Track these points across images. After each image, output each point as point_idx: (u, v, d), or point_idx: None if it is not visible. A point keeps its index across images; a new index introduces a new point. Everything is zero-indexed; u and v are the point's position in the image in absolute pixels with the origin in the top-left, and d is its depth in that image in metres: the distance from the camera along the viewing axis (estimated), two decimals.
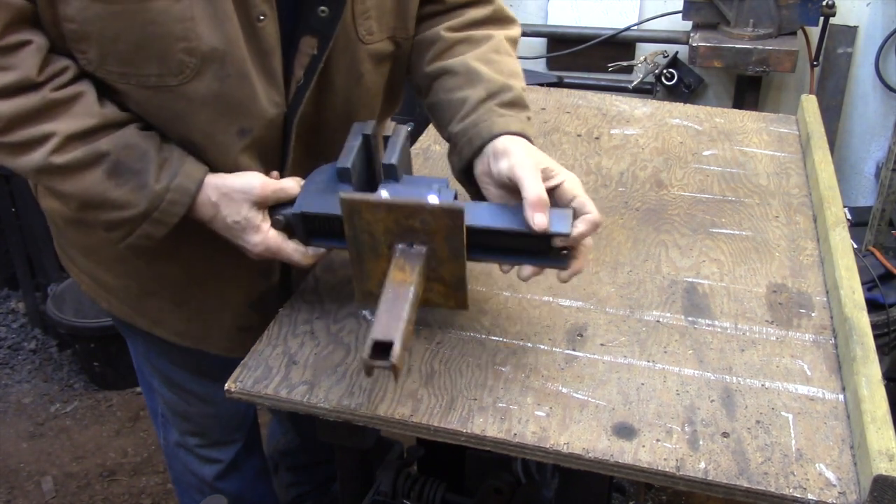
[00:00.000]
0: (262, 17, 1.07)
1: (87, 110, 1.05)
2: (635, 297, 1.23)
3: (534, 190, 1.03)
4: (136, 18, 1.01)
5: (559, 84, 3.09)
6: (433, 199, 1.01)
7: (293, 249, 1.13)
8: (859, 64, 3.05)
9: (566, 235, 1.03)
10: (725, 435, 0.98)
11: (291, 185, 1.13)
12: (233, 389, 1.07)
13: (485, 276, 1.28)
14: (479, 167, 1.15)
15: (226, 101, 1.09)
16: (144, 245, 1.11)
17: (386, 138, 1.17)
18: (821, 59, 2.98)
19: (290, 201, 1.12)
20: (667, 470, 0.94)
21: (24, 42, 1.02)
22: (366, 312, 1.20)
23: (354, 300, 1.12)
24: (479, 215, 1.07)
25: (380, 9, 1.19)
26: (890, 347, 2.29)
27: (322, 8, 1.10)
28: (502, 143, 1.11)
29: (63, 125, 1.04)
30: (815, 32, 2.94)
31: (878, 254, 2.43)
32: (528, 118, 1.18)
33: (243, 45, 1.08)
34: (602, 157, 1.65)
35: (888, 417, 0.94)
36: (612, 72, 3.16)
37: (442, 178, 1.13)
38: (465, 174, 1.19)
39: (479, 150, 1.14)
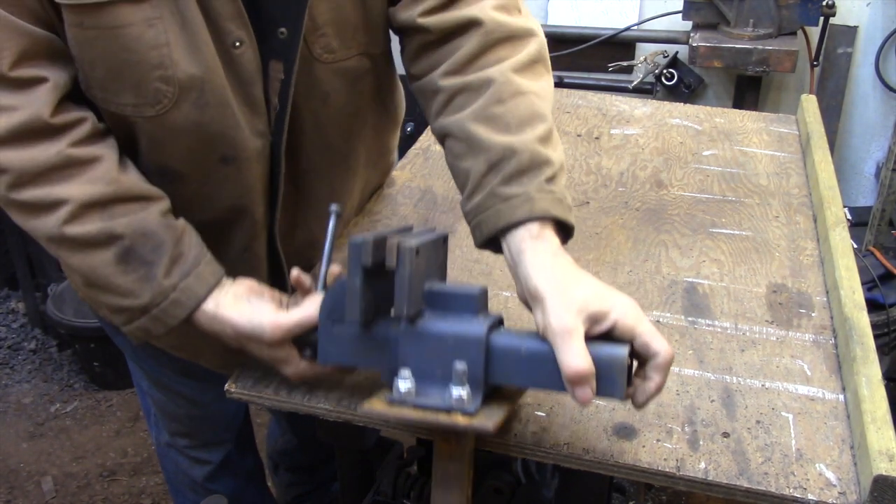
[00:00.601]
0: (237, 44, 1.04)
1: (106, 176, 1.01)
2: (635, 298, 1.21)
3: (570, 364, 0.83)
4: (111, 45, 0.98)
5: (559, 84, 3.09)
6: (460, 419, 0.89)
7: (332, 371, 1.05)
8: (859, 64, 3.05)
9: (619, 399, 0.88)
10: (725, 435, 0.98)
11: (306, 313, 1.00)
12: (233, 390, 1.08)
13: (484, 277, 1.28)
14: (505, 257, 0.98)
15: (206, 130, 1.06)
16: (143, 339, 1.06)
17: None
18: (821, 59, 2.98)
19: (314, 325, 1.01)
20: (667, 470, 0.94)
21: (38, 79, 0.98)
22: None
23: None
24: (509, 368, 0.91)
25: (338, 25, 1.12)
26: (890, 347, 2.29)
27: (281, 30, 1.07)
28: (517, 246, 0.94)
29: (78, 190, 0.99)
30: (815, 32, 2.94)
31: (878, 254, 2.43)
32: (548, 177, 0.97)
33: (222, 73, 1.05)
34: (602, 157, 1.65)
35: (888, 417, 0.94)
36: (612, 72, 3.16)
37: (484, 288, 0.94)
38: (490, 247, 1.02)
39: (492, 241, 0.99)
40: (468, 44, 1.07)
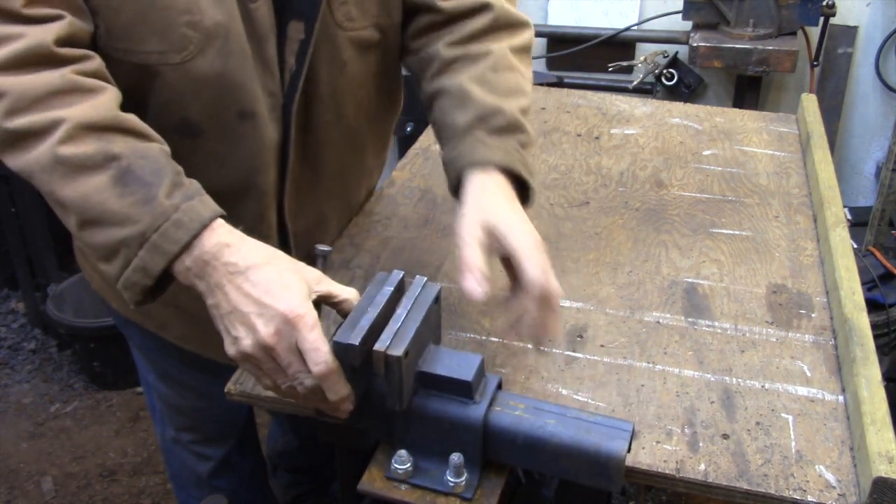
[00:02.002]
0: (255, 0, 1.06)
1: (107, 105, 0.95)
2: (635, 298, 1.23)
3: (467, 257, 0.99)
4: None
5: (559, 84, 3.09)
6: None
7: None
8: (859, 64, 3.05)
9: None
10: (725, 436, 0.98)
11: (339, 287, 0.97)
12: (233, 391, 1.07)
13: None
14: (461, 200, 1.09)
15: (227, 80, 1.06)
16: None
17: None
18: (821, 59, 2.98)
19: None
20: (667, 472, 0.94)
21: (52, 16, 0.95)
22: None
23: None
24: (506, 450, 0.93)
25: None
26: (890, 347, 2.29)
27: None
28: (471, 182, 1.07)
29: (77, 111, 0.93)
30: (815, 32, 2.94)
31: (878, 254, 2.43)
32: (522, 142, 1.11)
33: (241, 25, 1.06)
34: (602, 157, 1.65)
35: (888, 419, 0.94)
36: (612, 72, 3.16)
37: (480, 365, 0.93)
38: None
39: (460, 177, 1.09)
40: (476, 23, 1.19)
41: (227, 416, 1.66)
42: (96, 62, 0.99)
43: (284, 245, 1.27)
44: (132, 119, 0.97)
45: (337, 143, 1.26)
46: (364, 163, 1.37)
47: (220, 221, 0.94)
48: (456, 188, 1.10)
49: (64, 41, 0.95)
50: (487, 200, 1.04)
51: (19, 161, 0.95)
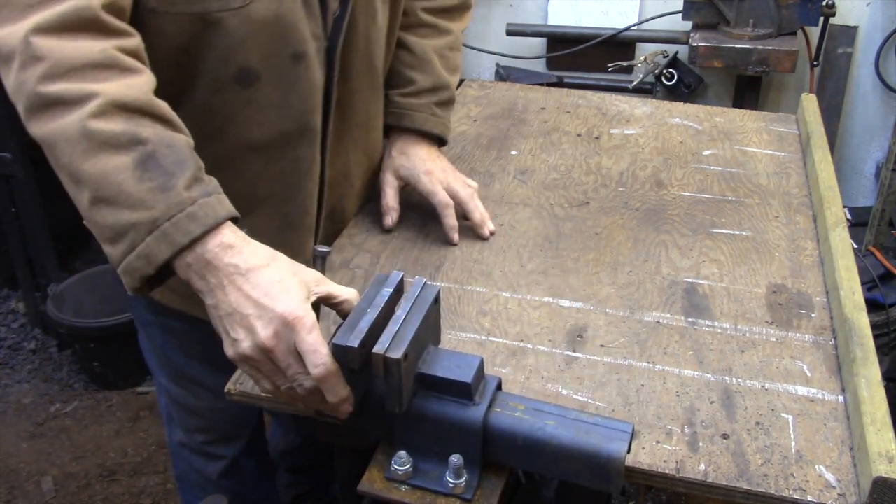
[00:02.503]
0: None
1: (143, 88, 0.95)
2: (635, 298, 1.23)
3: (387, 199, 1.40)
4: None
5: (559, 84, 3.09)
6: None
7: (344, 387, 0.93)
8: (859, 64, 3.05)
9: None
10: (725, 436, 0.98)
11: (339, 289, 0.98)
12: (233, 391, 1.07)
13: (484, 277, 1.28)
14: (393, 142, 1.44)
15: (282, 22, 1.12)
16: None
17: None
18: (821, 59, 2.98)
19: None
20: (666, 472, 0.94)
21: None
22: None
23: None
24: (506, 451, 0.94)
25: None
26: (890, 347, 2.29)
27: None
28: (405, 139, 1.43)
29: (111, 88, 0.92)
30: (815, 32, 2.94)
31: (878, 254, 2.43)
32: (449, 116, 1.48)
33: None
34: (602, 157, 1.65)
35: (888, 419, 0.94)
36: (611, 72, 3.16)
37: (480, 365, 0.93)
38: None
39: (404, 130, 1.43)
40: (450, 1, 1.48)
41: (242, 413, 1.65)
42: (136, 40, 0.99)
43: (320, 194, 1.32)
44: (163, 106, 0.97)
45: (365, 92, 1.33)
46: (378, 122, 1.44)
47: (230, 224, 0.94)
48: (389, 129, 1.44)
49: (110, 7, 0.95)
50: (415, 156, 1.41)
51: (44, 128, 0.93)
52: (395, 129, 1.44)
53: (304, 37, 1.16)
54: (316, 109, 1.23)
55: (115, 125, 0.91)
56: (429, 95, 1.43)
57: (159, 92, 0.99)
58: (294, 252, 1.20)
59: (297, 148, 1.24)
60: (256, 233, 0.99)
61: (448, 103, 1.46)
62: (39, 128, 0.94)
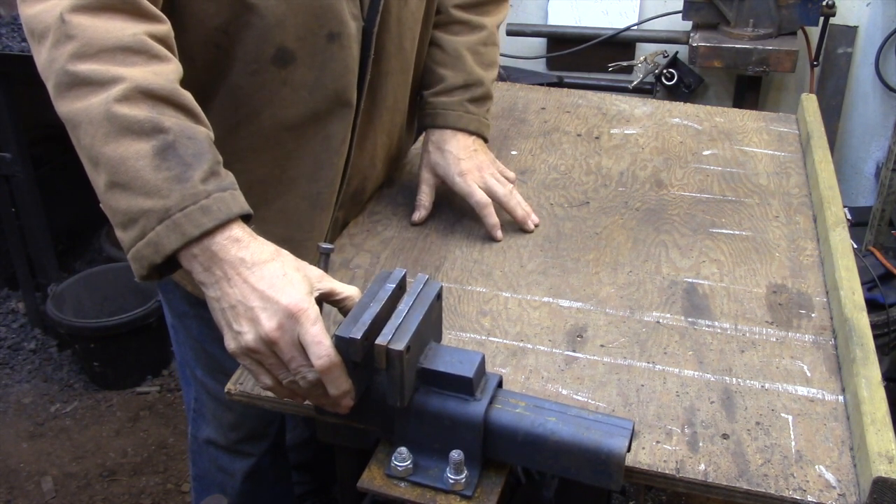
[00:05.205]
0: None
1: (169, 77, 0.96)
2: (635, 298, 1.23)
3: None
4: None
5: (559, 84, 3.09)
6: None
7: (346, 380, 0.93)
8: (859, 64, 3.05)
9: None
10: (725, 436, 0.98)
11: (343, 286, 0.98)
12: (233, 391, 1.07)
13: (484, 277, 1.28)
14: (429, 136, 1.45)
15: (322, 2, 1.14)
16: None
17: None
18: (821, 59, 2.98)
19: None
20: (666, 472, 0.94)
21: None
22: None
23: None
24: (507, 448, 0.94)
25: None
26: (890, 347, 2.29)
27: None
28: (450, 136, 1.42)
29: (139, 74, 0.93)
30: (815, 32, 2.94)
31: (878, 254, 2.43)
32: (488, 110, 1.48)
33: None
34: (602, 157, 1.65)
35: (888, 419, 0.94)
36: (612, 72, 3.16)
37: (481, 362, 0.93)
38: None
39: (440, 128, 1.43)
40: None
41: (268, 411, 1.65)
42: (167, 27, 1.00)
43: (344, 174, 1.33)
44: (188, 97, 0.97)
45: (395, 76, 1.35)
46: (406, 108, 1.46)
47: (240, 221, 0.94)
48: (423, 128, 1.45)
49: None
50: (449, 154, 1.41)
51: (70, 107, 0.93)
52: (430, 128, 1.45)
53: (342, 17, 1.17)
54: (350, 88, 1.25)
55: (139, 111, 0.91)
56: (461, 93, 1.43)
57: (196, 76, 1.04)
58: (321, 233, 1.29)
59: (329, 125, 1.26)
60: (288, 213, 1.17)
61: (482, 99, 1.46)
62: (66, 106, 0.94)
